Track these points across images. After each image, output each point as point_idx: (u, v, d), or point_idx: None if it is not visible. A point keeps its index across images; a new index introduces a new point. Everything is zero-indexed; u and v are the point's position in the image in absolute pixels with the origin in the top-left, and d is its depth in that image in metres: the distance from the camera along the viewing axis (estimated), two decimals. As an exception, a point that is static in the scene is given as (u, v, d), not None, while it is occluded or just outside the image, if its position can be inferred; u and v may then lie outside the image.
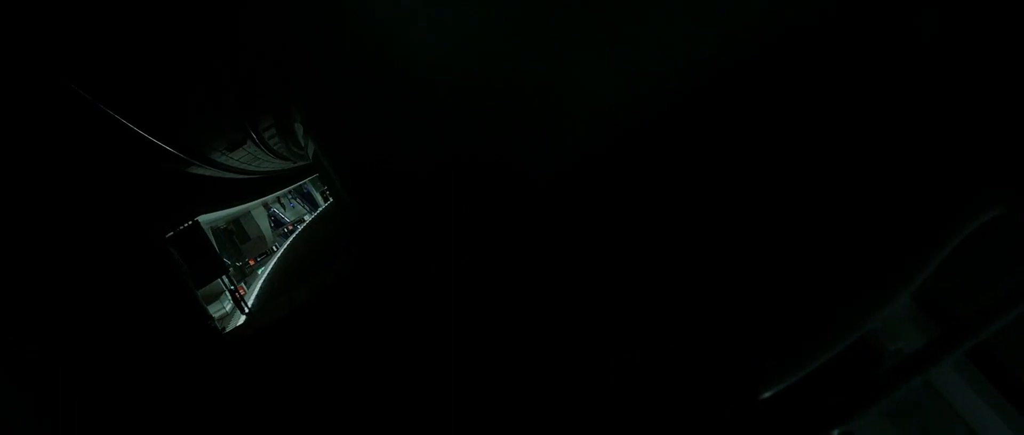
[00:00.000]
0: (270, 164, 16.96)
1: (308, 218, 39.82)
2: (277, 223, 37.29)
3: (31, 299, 5.05)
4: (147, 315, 7.16)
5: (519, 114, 2.81)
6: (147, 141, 6.23)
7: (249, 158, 13.34)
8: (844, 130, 1.83)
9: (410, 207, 4.32)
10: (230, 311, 17.64)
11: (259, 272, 25.64)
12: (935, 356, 1.12)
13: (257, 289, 19.36)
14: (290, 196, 41.73)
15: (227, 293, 15.51)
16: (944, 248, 1.20)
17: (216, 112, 7.41)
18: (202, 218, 16.12)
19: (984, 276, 1.39)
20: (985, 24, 1.44)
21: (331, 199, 33.78)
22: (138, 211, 8.64)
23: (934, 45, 1.58)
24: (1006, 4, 1.39)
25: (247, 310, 12.98)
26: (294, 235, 33.51)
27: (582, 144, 2.69)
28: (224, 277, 12.79)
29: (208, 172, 11.37)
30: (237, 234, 29.41)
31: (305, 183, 39.47)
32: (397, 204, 4.99)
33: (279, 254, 27.35)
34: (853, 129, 1.79)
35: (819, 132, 1.95)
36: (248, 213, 28.88)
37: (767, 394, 1.34)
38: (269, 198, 31.95)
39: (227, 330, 11.87)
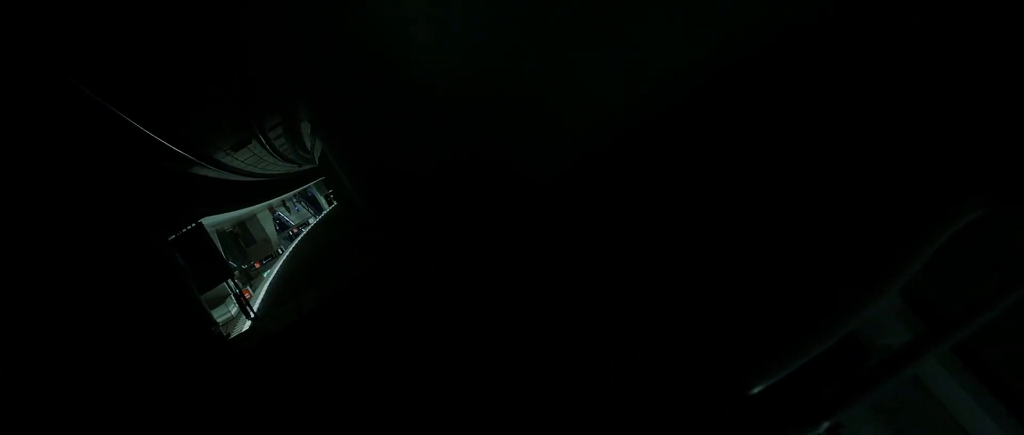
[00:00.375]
0: (275, 167, 17.03)
1: (312, 221, 39.95)
2: (282, 226, 37.47)
3: (30, 300, 5.03)
4: (147, 320, 7.07)
5: (519, 114, 2.82)
6: (148, 139, 6.16)
7: (255, 160, 13.37)
8: (838, 131, 1.83)
9: (413, 207, 4.33)
10: (235, 314, 17.65)
11: (265, 275, 25.72)
12: (921, 351, 1.15)
13: (263, 293, 19.41)
14: (295, 200, 41.89)
15: (232, 297, 15.47)
16: (930, 247, 1.22)
17: (219, 110, 7.33)
18: (207, 221, 16.10)
19: (969, 274, 1.40)
20: (974, 30, 1.45)
21: (335, 203, 33.88)
22: (139, 212, 8.56)
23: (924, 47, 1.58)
24: (993, 12, 1.40)
25: (253, 315, 12.81)
26: (299, 238, 33.61)
27: (582, 144, 2.69)
28: (229, 281, 12.59)
29: (212, 173, 11.36)
30: (243, 237, 29.53)
31: (309, 187, 39.62)
32: (403, 204, 5.00)
33: (284, 257, 27.44)
34: (846, 130, 1.79)
35: (815, 133, 1.95)
36: (254, 216, 28.98)
37: (756, 389, 1.34)
38: (274, 201, 32.08)
39: (232, 336, 11.75)
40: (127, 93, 4.87)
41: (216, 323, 11.14)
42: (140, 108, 5.40)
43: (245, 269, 27.69)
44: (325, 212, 40.68)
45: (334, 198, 33.06)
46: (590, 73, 2.56)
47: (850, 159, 1.72)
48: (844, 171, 1.73)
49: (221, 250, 18.63)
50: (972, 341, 1.34)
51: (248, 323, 12.82)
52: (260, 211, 29.42)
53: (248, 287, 23.43)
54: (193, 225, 11.47)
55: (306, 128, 10.22)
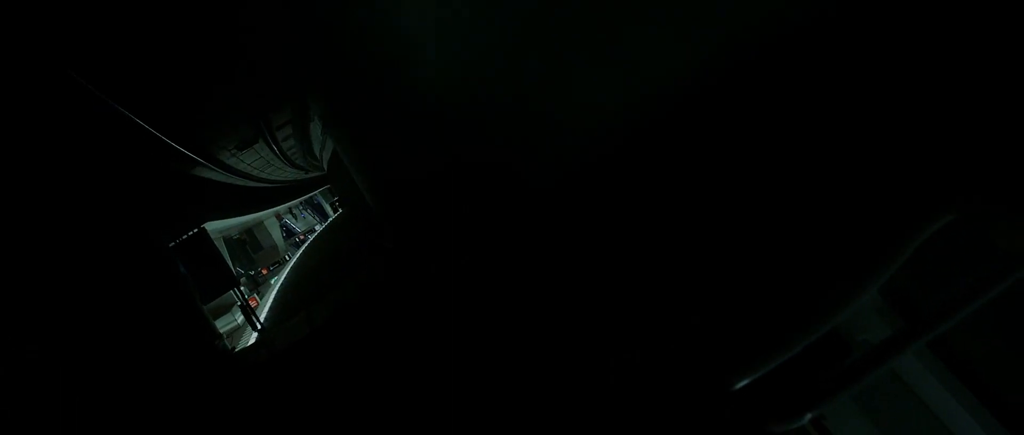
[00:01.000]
0: (282, 173, 17.01)
1: (318, 228, 40.12)
2: (289, 233, 37.66)
3: (28, 305, 4.96)
4: (144, 332, 6.74)
5: (519, 114, 2.82)
6: (150, 136, 5.95)
7: (262, 163, 13.24)
8: (832, 132, 1.84)
9: (414, 206, 4.33)
10: (242, 323, 17.51)
11: (272, 282, 25.75)
12: (901, 346, 1.22)
13: (270, 300, 19.35)
14: (301, 207, 42.11)
15: (238, 306, 15.09)
16: (907, 248, 1.27)
17: (221, 106, 7.01)
18: (214, 226, 15.89)
19: (947, 272, 1.45)
20: (960, 45, 1.50)
21: (340, 210, 34.03)
22: (140, 214, 8.23)
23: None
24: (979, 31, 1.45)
25: (260, 326, 12.10)
26: (306, 245, 33.73)
27: (582, 144, 2.69)
28: (235, 289, 11.85)
29: (218, 176, 11.17)
30: (250, 244, 29.72)
31: (315, 194, 39.87)
32: (404, 204, 5.00)
33: (292, 263, 27.51)
34: (839, 131, 1.81)
35: (811, 135, 1.96)
36: (261, 223, 29.15)
37: (740, 384, 1.37)
38: (281, 208, 32.25)
39: (237, 348, 11.17)
40: (127, 88, 4.73)
41: (220, 336, 10.48)
42: (140, 103, 5.22)
43: (252, 275, 27.80)
44: (330, 219, 40.84)
45: (340, 205, 33.20)
46: (590, 74, 2.57)
47: (841, 160, 1.74)
48: (835, 172, 1.75)
49: (227, 257, 18.43)
50: (949, 337, 1.40)
51: (255, 335, 12.25)
52: (267, 218, 29.59)
53: (255, 295, 23.39)
54: (196, 230, 10.88)
55: (316, 129, 10.16)
